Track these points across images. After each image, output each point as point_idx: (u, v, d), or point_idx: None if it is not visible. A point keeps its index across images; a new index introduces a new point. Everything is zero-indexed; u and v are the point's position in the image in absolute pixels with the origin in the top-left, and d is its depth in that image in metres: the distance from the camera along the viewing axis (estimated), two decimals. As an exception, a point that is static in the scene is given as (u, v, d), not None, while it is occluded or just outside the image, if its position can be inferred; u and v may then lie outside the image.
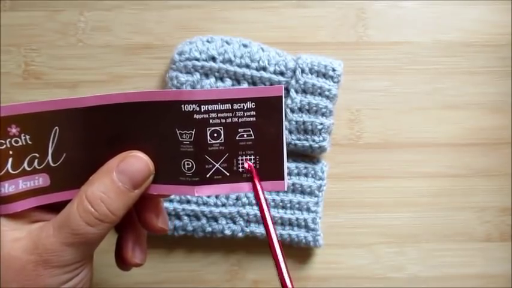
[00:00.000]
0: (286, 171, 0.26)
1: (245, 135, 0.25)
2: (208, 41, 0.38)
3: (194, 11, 0.41)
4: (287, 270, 0.23)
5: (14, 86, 0.40)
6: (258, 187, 0.25)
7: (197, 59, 0.37)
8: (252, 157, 0.26)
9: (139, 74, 0.40)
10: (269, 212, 0.25)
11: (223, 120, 0.25)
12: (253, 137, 0.25)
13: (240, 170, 0.26)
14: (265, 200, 0.25)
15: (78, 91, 0.40)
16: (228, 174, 0.26)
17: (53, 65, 0.40)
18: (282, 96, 0.25)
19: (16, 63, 0.40)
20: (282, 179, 0.26)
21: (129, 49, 0.41)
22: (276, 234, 0.24)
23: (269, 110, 0.25)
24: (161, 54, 0.40)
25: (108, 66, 0.40)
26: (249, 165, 0.25)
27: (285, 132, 0.31)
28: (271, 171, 0.26)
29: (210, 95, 0.24)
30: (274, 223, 0.24)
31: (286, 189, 0.27)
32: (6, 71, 0.40)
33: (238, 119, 0.25)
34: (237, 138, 0.25)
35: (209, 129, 0.25)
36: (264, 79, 0.37)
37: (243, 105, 0.25)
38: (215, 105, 0.24)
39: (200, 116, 0.25)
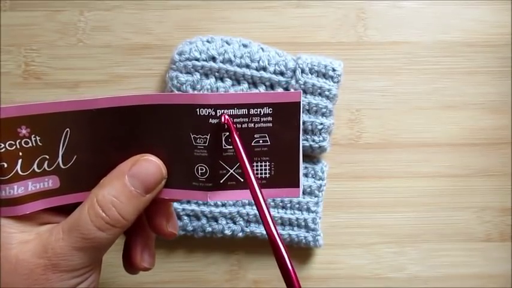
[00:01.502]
0: (301, 178, 0.25)
1: (261, 141, 0.25)
2: (208, 41, 0.38)
3: (194, 11, 0.41)
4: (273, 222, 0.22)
5: (14, 86, 0.40)
6: (237, 140, 0.24)
7: (197, 59, 0.37)
8: (267, 163, 0.25)
9: (139, 74, 0.40)
10: (251, 166, 0.24)
11: (239, 126, 0.24)
12: (269, 143, 0.25)
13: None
14: (244, 147, 0.24)
15: (78, 91, 0.40)
16: (242, 180, 0.25)
17: (53, 65, 0.40)
18: (300, 102, 0.24)
19: (16, 63, 0.40)
20: (297, 186, 0.25)
21: (129, 49, 0.40)
22: (260, 188, 0.23)
23: (286, 116, 0.24)
24: (161, 54, 0.40)
25: (108, 66, 0.40)
26: (226, 119, 0.24)
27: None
28: (286, 178, 0.25)
29: (227, 99, 0.24)
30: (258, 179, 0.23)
31: (300, 196, 0.26)
32: (6, 71, 0.40)
33: (254, 125, 0.24)
34: (252, 143, 0.25)
35: (224, 134, 0.24)
36: (264, 79, 0.37)
37: (260, 111, 0.24)
38: (231, 110, 0.24)
39: (216, 121, 0.24)
